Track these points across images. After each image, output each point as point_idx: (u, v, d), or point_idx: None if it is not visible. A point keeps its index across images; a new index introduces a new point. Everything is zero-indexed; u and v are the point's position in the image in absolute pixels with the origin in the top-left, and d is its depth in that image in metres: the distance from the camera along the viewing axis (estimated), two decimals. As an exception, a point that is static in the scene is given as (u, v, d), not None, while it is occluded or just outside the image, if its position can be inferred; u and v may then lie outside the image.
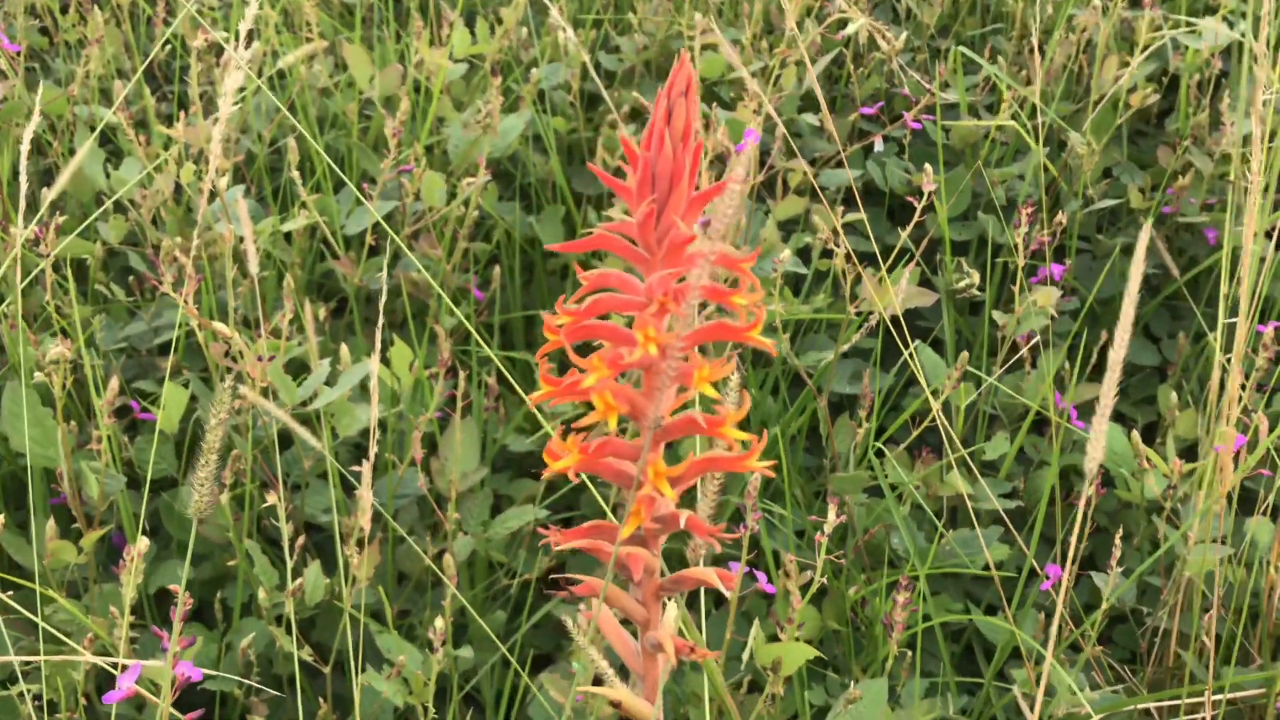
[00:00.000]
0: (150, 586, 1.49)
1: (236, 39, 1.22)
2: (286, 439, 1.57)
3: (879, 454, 1.69)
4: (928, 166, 1.50)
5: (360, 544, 1.34)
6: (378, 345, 1.01)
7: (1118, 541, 1.44)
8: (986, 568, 1.71)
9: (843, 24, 1.95)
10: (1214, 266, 1.91)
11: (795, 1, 1.55)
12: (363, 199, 1.42)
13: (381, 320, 1.13)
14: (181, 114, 1.66)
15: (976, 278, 1.62)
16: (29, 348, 1.48)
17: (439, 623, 1.22)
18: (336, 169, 1.36)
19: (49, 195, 1.41)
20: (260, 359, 1.28)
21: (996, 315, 1.73)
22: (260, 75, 1.94)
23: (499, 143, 1.74)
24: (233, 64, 1.03)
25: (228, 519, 1.40)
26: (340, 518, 1.45)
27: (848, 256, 1.50)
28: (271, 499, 1.27)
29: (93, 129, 1.89)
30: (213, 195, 1.58)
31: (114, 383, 1.32)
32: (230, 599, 1.50)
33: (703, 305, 0.69)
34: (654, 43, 2.05)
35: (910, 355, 1.66)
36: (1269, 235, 1.84)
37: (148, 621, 1.53)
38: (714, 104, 1.91)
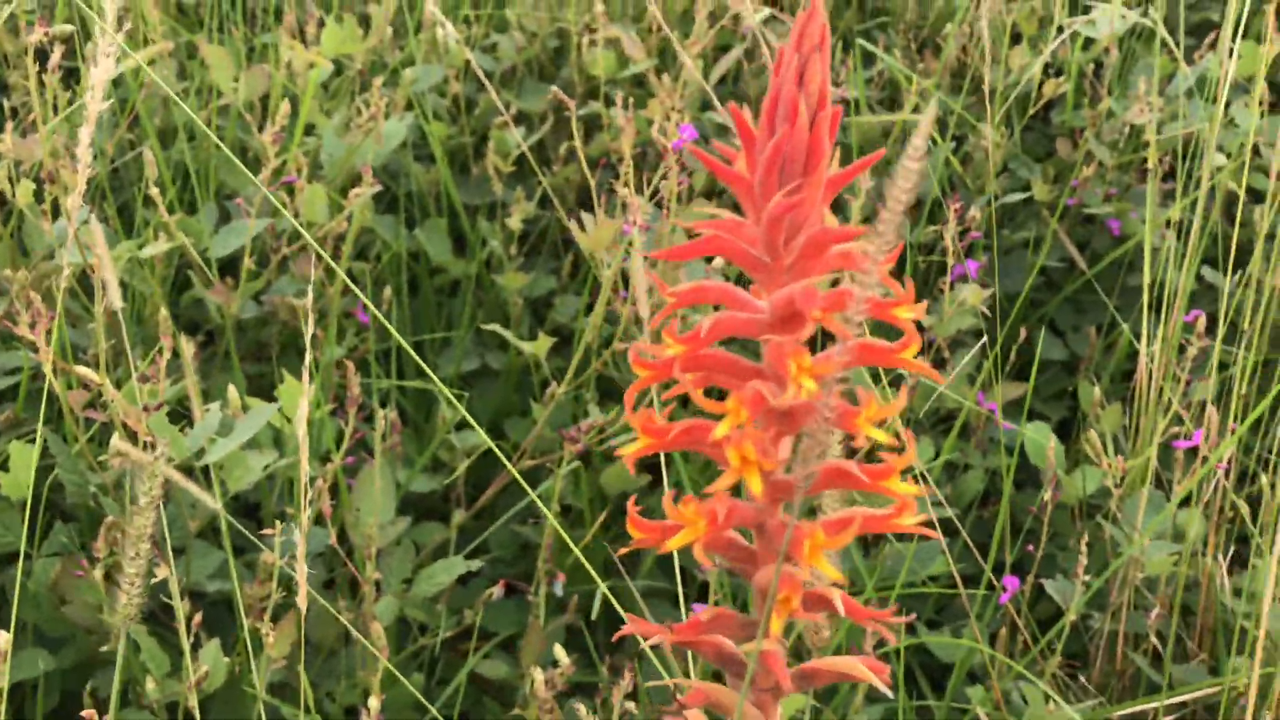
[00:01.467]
0: (9, 681, 1.26)
1: (108, 25, 1.02)
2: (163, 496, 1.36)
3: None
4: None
5: (271, 613, 1.15)
6: (307, 385, 0.84)
7: (1083, 550, 1.38)
8: (925, 583, 1.63)
9: (736, 19, 1.85)
10: (1121, 259, 1.89)
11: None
12: (230, 218, 1.23)
13: (309, 332, 0.95)
14: (9, 124, 1.43)
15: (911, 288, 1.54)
16: None
17: (373, 702, 1.05)
18: (196, 185, 1.17)
19: None
20: (146, 409, 1.08)
21: (924, 319, 1.65)
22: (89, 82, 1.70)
23: (382, 150, 1.56)
24: (100, 52, 0.84)
25: (100, 596, 1.19)
26: (237, 585, 1.25)
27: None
28: (162, 573, 1.07)
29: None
30: (55, 215, 1.36)
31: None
32: (102, 689, 1.28)
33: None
34: (535, 41, 1.90)
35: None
36: (1168, 225, 1.83)
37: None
38: (609, 106, 1.77)
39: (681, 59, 1.57)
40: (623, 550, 0.57)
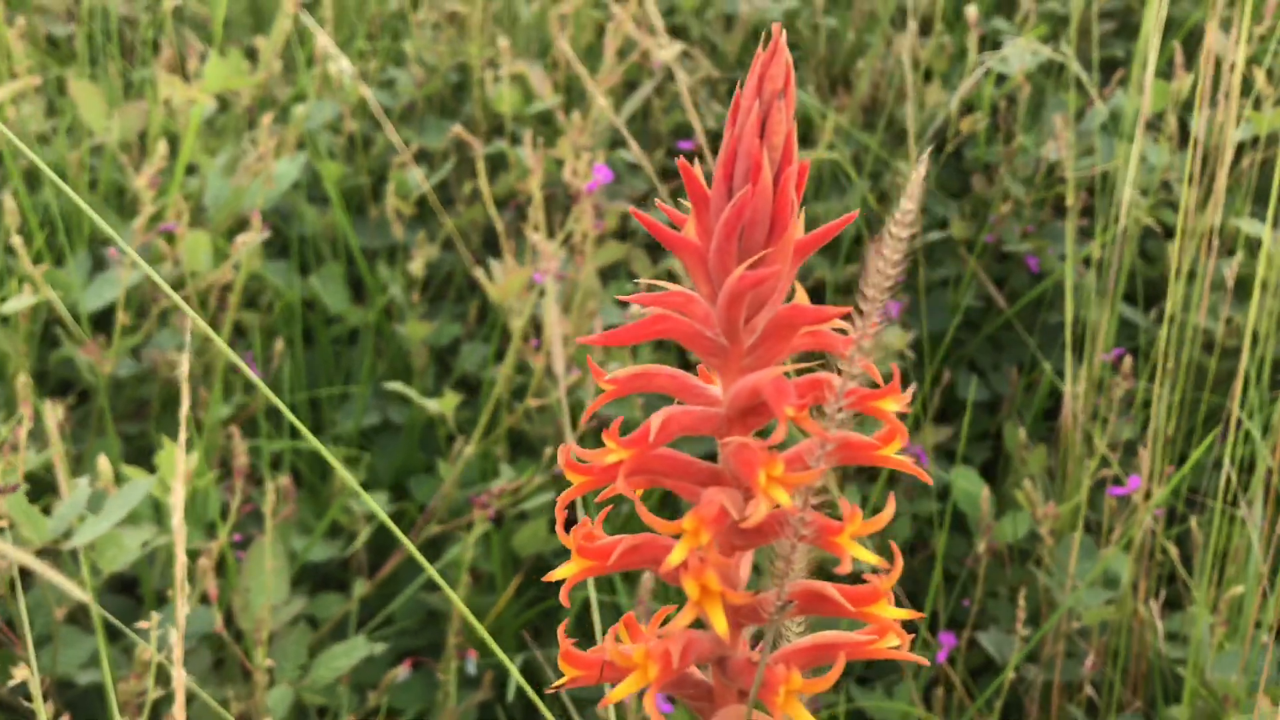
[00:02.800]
0: None
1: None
2: (26, 576, 1.23)
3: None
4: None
5: (149, 710, 1.03)
6: (181, 466, 0.74)
7: (1021, 604, 1.32)
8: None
9: (646, 55, 1.78)
10: (1040, 296, 1.86)
11: (615, 29, 1.37)
12: (102, 267, 1.12)
13: (184, 410, 0.84)
14: None
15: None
16: None
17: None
18: (66, 232, 1.06)
19: None
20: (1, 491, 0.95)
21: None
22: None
23: (272, 192, 1.46)
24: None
25: (-48, 699, 1.05)
26: (109, 679, 1.12)
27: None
28: (21, 675, 0.95)
29: None
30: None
31: None
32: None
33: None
34: (435, 76, 1.81)
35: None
36: (1087, 262, 1.80)
37: None
38: (515, 145, 1.70)
39: (591, 95, 1.50)
40: (553, 687, 0.48)
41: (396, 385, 1.29)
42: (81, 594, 0.93)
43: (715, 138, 1.92)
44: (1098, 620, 1.38)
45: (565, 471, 0.47)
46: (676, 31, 2.12)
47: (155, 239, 1.29)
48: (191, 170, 1.58)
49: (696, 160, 1.66)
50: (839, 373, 0.41)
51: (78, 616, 1.25)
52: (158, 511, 1.26)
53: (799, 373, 0.47)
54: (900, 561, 0.50)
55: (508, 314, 1.24)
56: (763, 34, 1.77)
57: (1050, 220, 1.89)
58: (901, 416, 1.64)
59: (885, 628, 0.49)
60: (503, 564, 1.42)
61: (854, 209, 1.81)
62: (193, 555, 1.19)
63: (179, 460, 0.75)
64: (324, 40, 1.53)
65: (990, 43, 2.06)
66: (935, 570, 1.40)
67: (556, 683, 0.47)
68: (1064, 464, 1.62)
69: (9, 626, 1.20)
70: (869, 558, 0.46)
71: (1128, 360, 1.52)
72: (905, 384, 1.68)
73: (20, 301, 1.24)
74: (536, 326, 1.42)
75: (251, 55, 1.81)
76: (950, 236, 1.87)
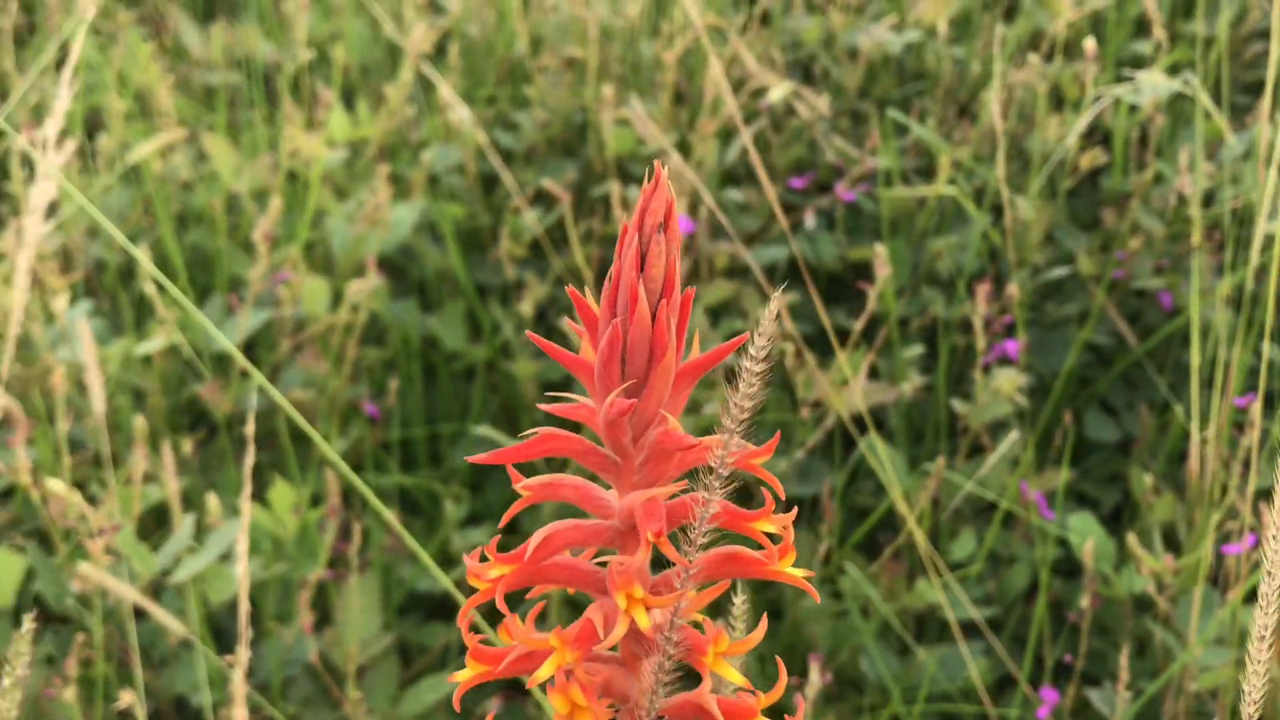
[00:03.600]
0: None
1: (62, 139, 0.99)
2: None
3: (840, 570, 1.50)
4: (879, 246, 1.33)
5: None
6: (246, 514, 0.79)
7: (1124, 661, 1.27)
8: (968, 684, 1.53)
9: (762, 91, 1.79)
10: (1174, 334, 1.77)
11: (718, 67, 1.38)
12: (230, 311, 1.20)
13: (250, 461, 0.91)
14: (15, 222, 1.41)
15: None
16: None
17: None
18: (200, 275, 1.14)
19: None
20: (102, 531, 1.03)
21: (957, 405, 1.56)
22: (107, 171, 1.70)
23: (389, 237, 1.53)
24: (41, 175, 0.80)
25: (74, 716, 1.14)
26: (216, 697, 1.20)
27: (797, 352, 1.31)
28: (128, 698, 1.02)
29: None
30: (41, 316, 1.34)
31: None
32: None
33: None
34: (556, 118, 1.86)
35: (869, 449, 1.49)
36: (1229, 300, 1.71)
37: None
38: (627, 183, 1.73)
39: (699, 136, 1.51)
40: (458, 683, 0.49)
41: (484, 430, 1.34)
42: (180, 627, 1.00)
43: (835, 172, 1.91)
44: (1212, 683, 1.31)
45: (469, 579, 0.49)
46: (799, 65, 2.12)
47: (272, 285, 1.38)
48: (322, 216, 1.67)
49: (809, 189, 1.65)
50: (709, 492, 0.42)
51: (193, 641, 1.33)
52: (276, 552, 1.34)
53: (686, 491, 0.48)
54: (783, 682, 0.50)
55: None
56: (879, 65, 1.71)
57: (1187, 255, 1.81)
58: (1020, 460, 1.57)
59: None
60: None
61: (972, 244, 1.76)
62: (297, 586, 1.26)
63: (245, 504, 0.81)
64: (445, 91, 1.60)
65: (1112, 73, 1.98)
66: (1035, 622, 1.36)
67: (458, 675, 0.49)
68: (1190, 512, 1.55)
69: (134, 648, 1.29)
70: (735, 678, 0.47)
71: (1256, 404, 1.44)
72: (1017, 426, 1.63)
73: (153, 344, 1.34)
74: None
75: (381, 102, 1.89)
76: (1077, 272, 1.81)
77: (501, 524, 0.50)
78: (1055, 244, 1.88)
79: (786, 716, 0.49)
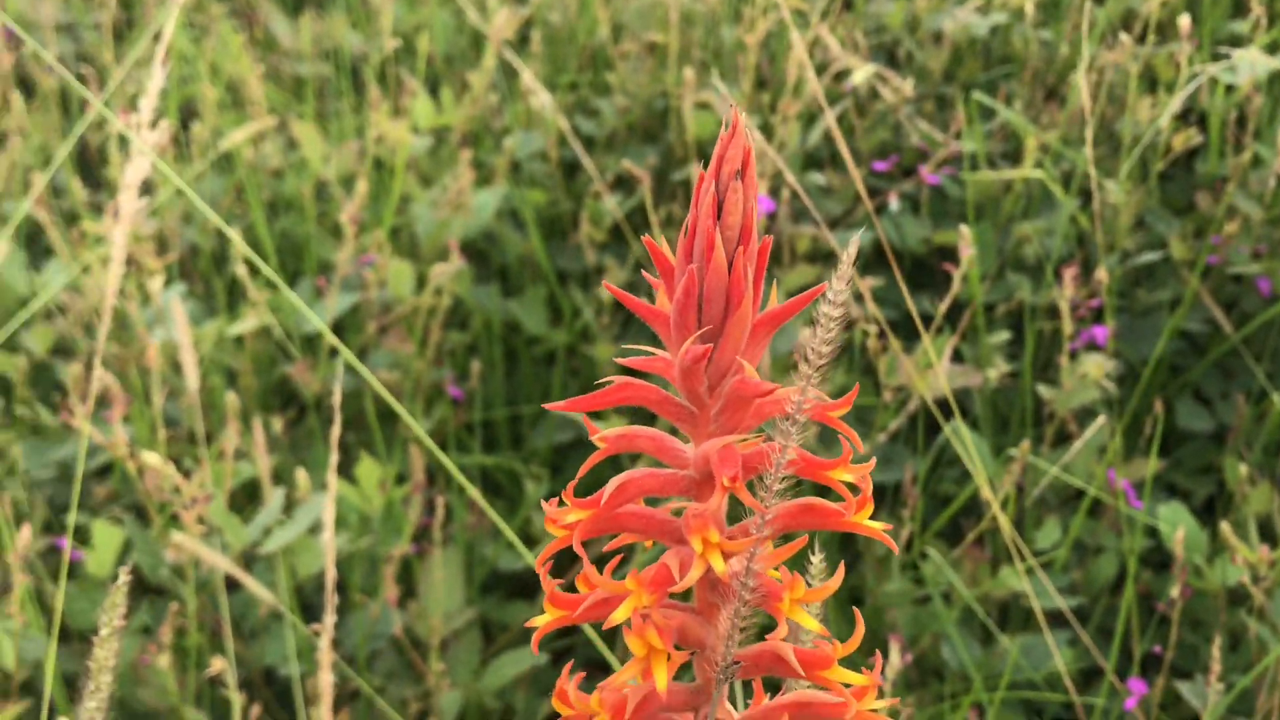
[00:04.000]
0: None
1: (159, 119, 1.02)
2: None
3: (923, 555, 1.49)
4: (964, 228, 1.31)
5: (334, 702, 1.12)
6: (333, 485, 0.81)
7: (1215, 654, 1.24)
8: (1052, 674, 1.51)
9: (845, 74, 1.77)
10: (1272, 321, 1.72)
11: (800, 48, 1.37)
12: (319, 294, 1.22)
13: (336, 432, 0.93)
14: (112, 206, 1.46)
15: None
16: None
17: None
18: (290, 260, 1.17)
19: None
20: (195, 501, 1.06)
21: (1043, 391, 1.53)
22: (200, 159, 1.75)
23: (472, 222, 1.54)
24: (135, 152, 0.83)
25: (168, 682, 1.18)
26: (304, 668, 1.23)
27: (880, 333, 1.30)
28: (218, 665, 1.05)
29: (20, 227, 1.69)
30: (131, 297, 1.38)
31: (25, 533, 1.10)
32: (179, 771, 1.27)
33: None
34: (637, 104, 1.87)
35: (953, 434, 1.47)
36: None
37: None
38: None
39: (780, 118, 1.51)
40: (536, 629, 0.50)
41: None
42: (270, 597, 1.02)
43: (920, 155, 1.89)
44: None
45: (547, 525, 0.50)
46: (882, 49, 2.09)
47: (359, 268, 1.40)
48: (407, 201, 1.70)
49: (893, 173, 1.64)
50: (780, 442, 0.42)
51: (283, 613, 1.36)
52: (363, 526, 1.36)
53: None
54: (861, 629, 0.50)
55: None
56: (965, 48, 1.68)
57: (1286, 238, 1.76)
58: (1108, 448, 1.54)
59: (864, 692, 0.49)
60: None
61: (1059, 228, 1.73)
62: (383, 561, 1.28)
63: (332, 481, 0.83)
64: (527, 77, 1.61)
65: (1208, 53, 1.93)
66: (1121, 612, 1.33)
67: (536, 620, 0.50)
68: (1288, 503, 1.50)
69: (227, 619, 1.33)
70: (811, 624, 0.46)
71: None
72: (1105, 414, 1.60)
73: (245, 325, 1.37)
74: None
75: (465, 90, 1.92)
76: (1170, 257, 1.76)
77: (580, 473, 0.50)
78: (1146, 229, 1.84)
79: (865, 670, 0.49)
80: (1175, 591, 1.33)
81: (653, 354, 0.50)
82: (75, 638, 1.36)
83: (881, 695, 0.50)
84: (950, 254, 1.84)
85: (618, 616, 0.46)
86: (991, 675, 1.43)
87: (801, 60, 1.52)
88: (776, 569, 0.47)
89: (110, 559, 1.27)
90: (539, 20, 1.95)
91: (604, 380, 0.51)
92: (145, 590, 1.37)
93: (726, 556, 0.45)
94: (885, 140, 1.92)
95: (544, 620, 0.50)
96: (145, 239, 1.37)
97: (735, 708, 0.51)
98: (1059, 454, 1.59)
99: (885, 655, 1.24)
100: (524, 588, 1.56)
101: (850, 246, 0.45)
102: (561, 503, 0.50)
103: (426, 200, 1.62)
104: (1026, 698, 1.42)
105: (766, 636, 0.49)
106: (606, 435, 0.51)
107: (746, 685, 0.52)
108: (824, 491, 0.50)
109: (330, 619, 0.98)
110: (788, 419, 0.41)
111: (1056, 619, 1.52)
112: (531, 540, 1.54)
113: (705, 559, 0.45)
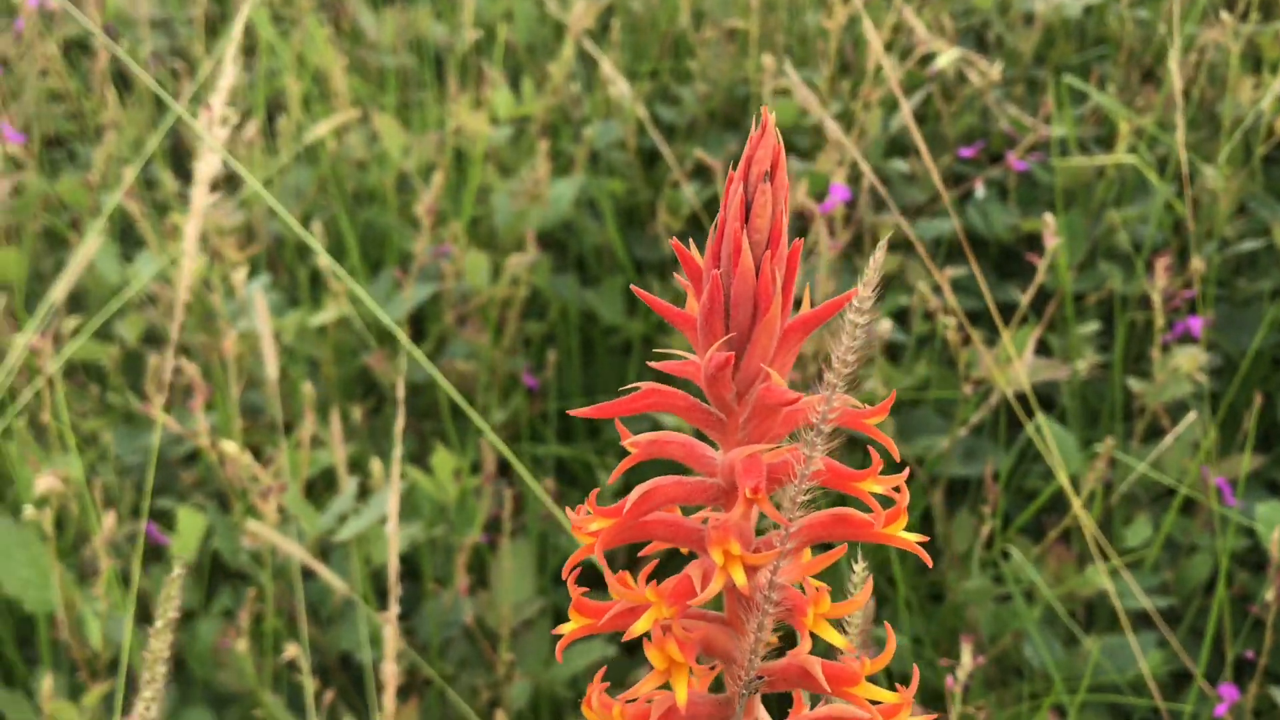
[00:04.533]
0: (171, 738, 1.30)
1: (244, 114, 1.04)
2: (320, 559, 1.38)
3: (1004, 555, 1.45)
4: (1048, 215, 1.27)
5: (400, 690, 1.13)
6: (395, 477, 0.81)
7: (1312, 659, 1.18)
8: (1138, 678, 1.46)
9: (929, 58, 1.73)
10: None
11: (879, 34, 1.34)
12: (398, 285, 1.23)
13: (400, 425, 0.93)
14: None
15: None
16: (27, 473, 1.31)
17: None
18: (373, 250, 1.18)
19: (57, 295, 1.24)
20: (270, 489, 1.08)
21: (1133, 384, 1.48)
22: (286, 151, 1.78)
23: (549, 212, 1.55)
24: (206, 149, 0.85)
25: (246, 666, 1.21)
26: (377, 655, 1.25)
27: (959, 325, 1.27)
28: (292, 651, 1.07)
29: (114, 219, 1.74)
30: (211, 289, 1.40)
31: (109, 519, 1.14)
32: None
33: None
34: (718, 91, 1.85)
35: (1035, 432, 1.43)
36: None
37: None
38: (788, 155, 1.70)
39: (862, 104, 1.48)
40: (562, 637, 0.50)
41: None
42: (342, 584, 1.04)
43: (1009, 141, 1.84)
44: None
45: (573, 531, 0.49)
46: (971, 32, 2.04)
47: (440, 259, 1.41)
48: (487, 192, 1.71)
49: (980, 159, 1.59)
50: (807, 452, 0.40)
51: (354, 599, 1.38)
52: (437, 515, 1.38)
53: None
54: (892, 645, 0.48)
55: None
56: (1058, 30, 1.62)
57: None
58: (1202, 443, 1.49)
59: (896, 711, 0.47)
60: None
61: (1154, 215, 1.67)
62: (457, 550, 1.29)
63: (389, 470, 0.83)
64: (606, 66, 1.61)
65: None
66: (1213, 614, 1.28)
67: (562, 628, 0.50)
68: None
69: (304, 607, 1.35)
70: (837, 640, 0.45)
71: None
72: (1200, 407, 1.54)
73: (325, 315, 1.39)
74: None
75: (545, 80, 1.92)
76: (1272, 244, 1.69)
77: (611, 480, 0.50)
78: (1248, 215, 1.76)
79: (899, 687, 0.47)
80: (1271, 594, 1.28)
81: (685, 359, 0.49)
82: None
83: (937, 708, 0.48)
84: (1039, 242, 1.79)
85: (637, 629, 0.46)
86: (1075, 677, 1.39)
87: (876, 48, 1.49)
88: (813, 579, 0.46)
89: (193, 544, 1.30)
90: (620, 8, 1.94)
91: (631, 386, 0.50)
92: (227, 575, 1.41)
93: (750, 569, 0.44)
94: (972, 126, 1.88)
95: (569, 628, 0.49)
96: (230, 232, 1.40)
97: None
98: (1150, 449, 1.54)
99: (958, 655, 1.21)
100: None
101: (878, 251, 0.43)
102: (592, 509, 0.49)
103: (506, 190, 1.63)
104: (1112, 701, 1.38)
105: (788, 652, 0.48)
106: (638, 441, 0.50)
107: (786, 697, 0.51)
108: (860, 500, 0.49)
109: (394, 609, 0.99)
110: (813, 429, 0.40)
111: (1146, 620, 1.48)
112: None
113: (726, 571, 0.44)
